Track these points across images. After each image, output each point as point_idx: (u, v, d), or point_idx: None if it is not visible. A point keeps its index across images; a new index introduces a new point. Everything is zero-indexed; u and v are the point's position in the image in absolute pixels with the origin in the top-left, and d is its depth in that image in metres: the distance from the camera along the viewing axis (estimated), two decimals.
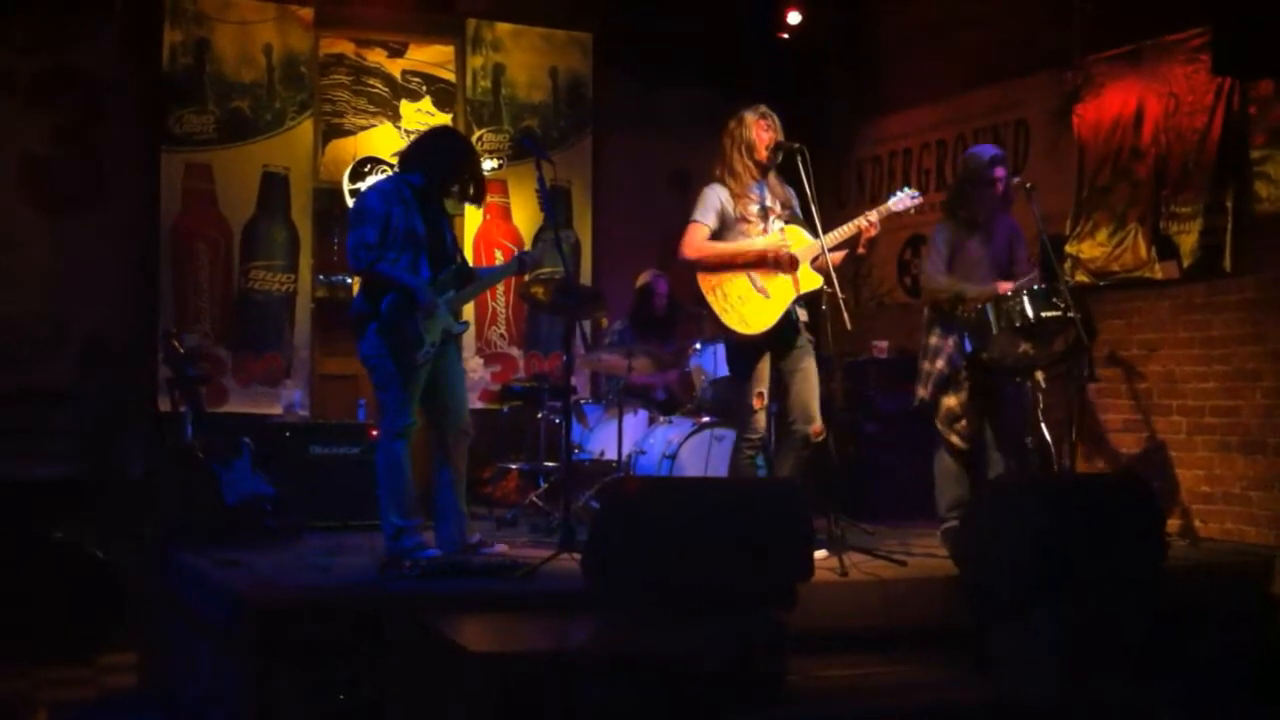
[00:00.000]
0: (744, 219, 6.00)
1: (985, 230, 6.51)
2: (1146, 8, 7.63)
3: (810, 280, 5.98)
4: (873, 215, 6.08)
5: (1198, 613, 5.39)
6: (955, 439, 6.36)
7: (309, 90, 9.04)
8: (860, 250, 6.15)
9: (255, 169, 8.88)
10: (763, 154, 6.03)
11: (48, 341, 8.32)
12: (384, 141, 9.22)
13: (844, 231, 6.03)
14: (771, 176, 6.14)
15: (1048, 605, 5.01)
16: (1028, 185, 6.52)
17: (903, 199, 6.28)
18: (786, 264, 5.95)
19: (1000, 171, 6.45)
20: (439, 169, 6.06)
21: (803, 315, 6.09)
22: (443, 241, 6.07)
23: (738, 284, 5.94)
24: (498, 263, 9.19)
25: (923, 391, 6.49)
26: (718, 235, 5.98)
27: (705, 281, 5.94)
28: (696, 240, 5.94)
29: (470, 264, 6.49)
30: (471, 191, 6.22)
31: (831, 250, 5.95)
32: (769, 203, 6.08)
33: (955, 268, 6.45)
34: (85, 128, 8.51)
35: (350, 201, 8.75)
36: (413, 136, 7.61)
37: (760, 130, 6.02)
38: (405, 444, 5.89)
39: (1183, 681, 4.94)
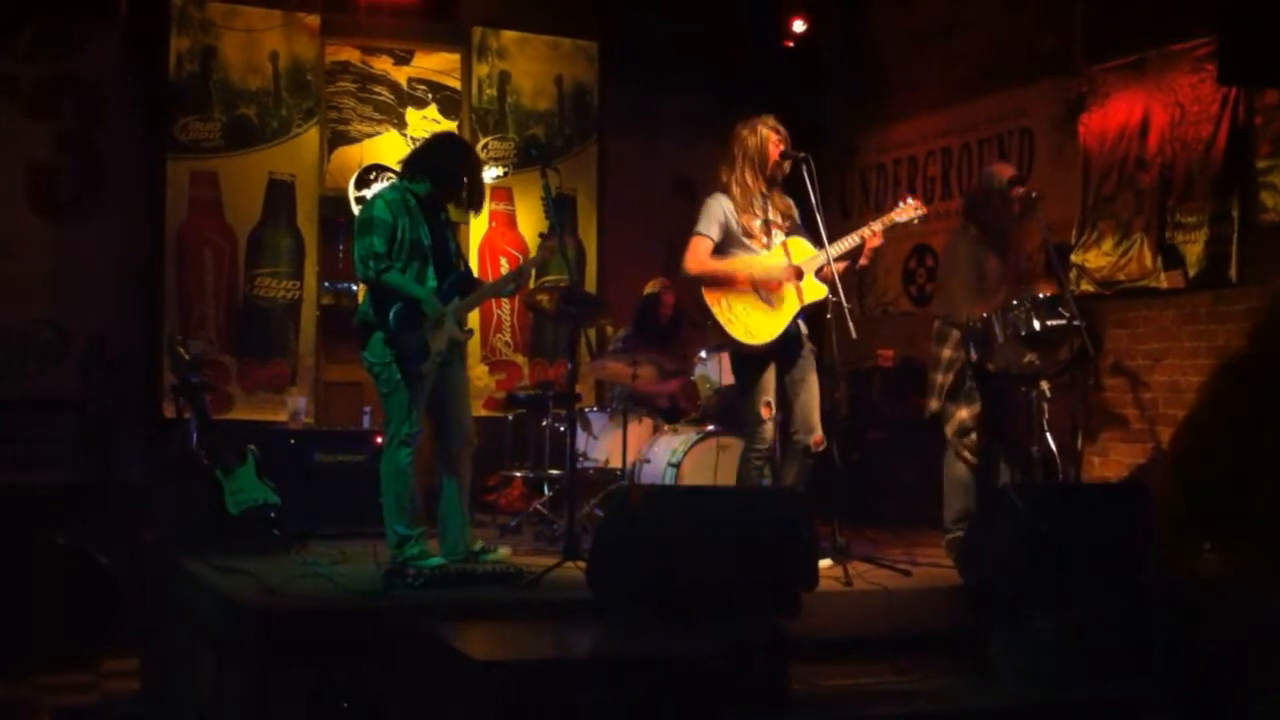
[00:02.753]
0: (747, 232, 5.99)
1: (1002, 245, 6.51)
2: (1152, 17, 7.63)
3: (815, 290, 5.98)
4: (876, 226, 6.08)
5: (1198, 619, 5.38)
6: (965, 453, 6.34)
7: (315, 98, 9.06)
8: (863, 262, 6.16)
9: (261, 176, 8.90)
10: (772, 167, 6.02)
11: (51, 347, 8.34)
12: (390, 149, 9.23)
13: (848, 242, 6.02)
14: (774, 188, 6.14)
15: (1049, 610, 5.00)
16: (1032, 194, 6.51)
17: (906, 209, 6.28)
18: (790, 276, 5.96)
19: (1018, 191, 6.45)
20: (446, 176, 6.03)
21: (803, 327, 6.09)
22: (447, 249, 6.06)
23: (744, 296, 5.93)
24: (504, 270, 9.18)
25: (934, 404, 6.47)
26: (720, 247, 5.97)
27: (710, 294, 5.93)
28: (699, 254, 5.93)
29: (474, 273, 6.48)
30: (471, 198, 6.21)
31: (834, 261, 5.94)
32: (771, 215, 6.07)
33: (980, 285, 6.44)
34: (89, 134, 8.53)
35: (356, 209, 8.74)
36: (416, 144, 7.60)
37: (771, 144, 6.00)
38: (410, 452, 5.88)
39: (1181, 686, 4.93)
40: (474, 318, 9.16)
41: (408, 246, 5.83)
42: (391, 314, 5.79)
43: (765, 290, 5.95)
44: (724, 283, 5.93)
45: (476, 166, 6.20)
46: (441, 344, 5.87)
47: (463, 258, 6.34)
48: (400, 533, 5.84)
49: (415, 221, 5.88)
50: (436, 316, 5.82)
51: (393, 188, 6.08)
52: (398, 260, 5.81)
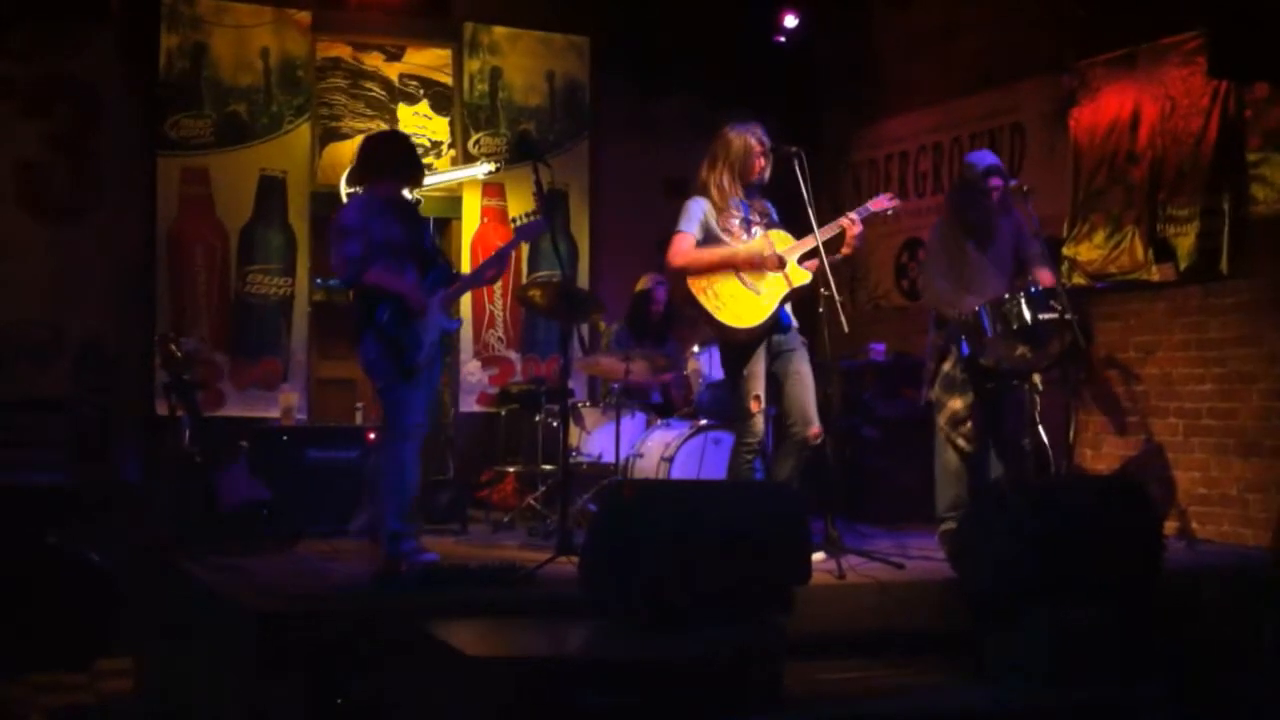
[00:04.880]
0: (726, 231, 6.02)
1: (985, 236, 6.52)
2: (1142, 11, 7.63)
3: (800, 276, 6.00)
4: (853, 215, 6.11)
5: (1194, 615, 5.39)
6: (961, 441, 6.35)
7: (306, 94, 9.05)
8: (845, 250, 6.14)
9: (252, 173, 8.90)
10: (753, 178, 6.05)
11: (45, 347, 8.33)
12: None
13: (828, 229, 6.03)
14: (754, 196, 6.16)
15: (1043, 608, 5.01)
16: (1024, 188, 6.52)
17: (880, 199, 6.34)
18: (774, 264, 5.97)
19: (996, 181, 6.44)
20: (401, 168, 6.14)
21: (794, 320, 6.11)
22: (424, 245, 6.11)
23: (729, 283, 5.94)
24: None
25: (931, 393, 6.49)
26: (701, 245, 5.99)
27: (695, 284, 5.94)
28: (683, 247, 5.95)
29: (457, 269, 6.53)
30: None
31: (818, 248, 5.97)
32: (750, 215, 6.10)
33: (957, 274, 6.45)
34: (82, 134, 8.51)
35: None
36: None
37: (754, 154, 6.02)
38: (415, 445, 5.92)
39: (1178, 684, 4.94)
40: (466, 314, 9.16)
41: (384, 247, 5.89)
42: (381, 312, 5.82)
43: (750, 276, 5.96)
44: (708, 271, 5.95)
45: (414, 148, 6.39)
46: (433, 335, 5.93)
47: (441, 252, 6.39)
48: (394, 529, 5.85)
49: (387, 222, 5.94)
50: (422, 308, 5.87)
51: (358, 195, 6.18)
52: (377, 262, 5.86)
